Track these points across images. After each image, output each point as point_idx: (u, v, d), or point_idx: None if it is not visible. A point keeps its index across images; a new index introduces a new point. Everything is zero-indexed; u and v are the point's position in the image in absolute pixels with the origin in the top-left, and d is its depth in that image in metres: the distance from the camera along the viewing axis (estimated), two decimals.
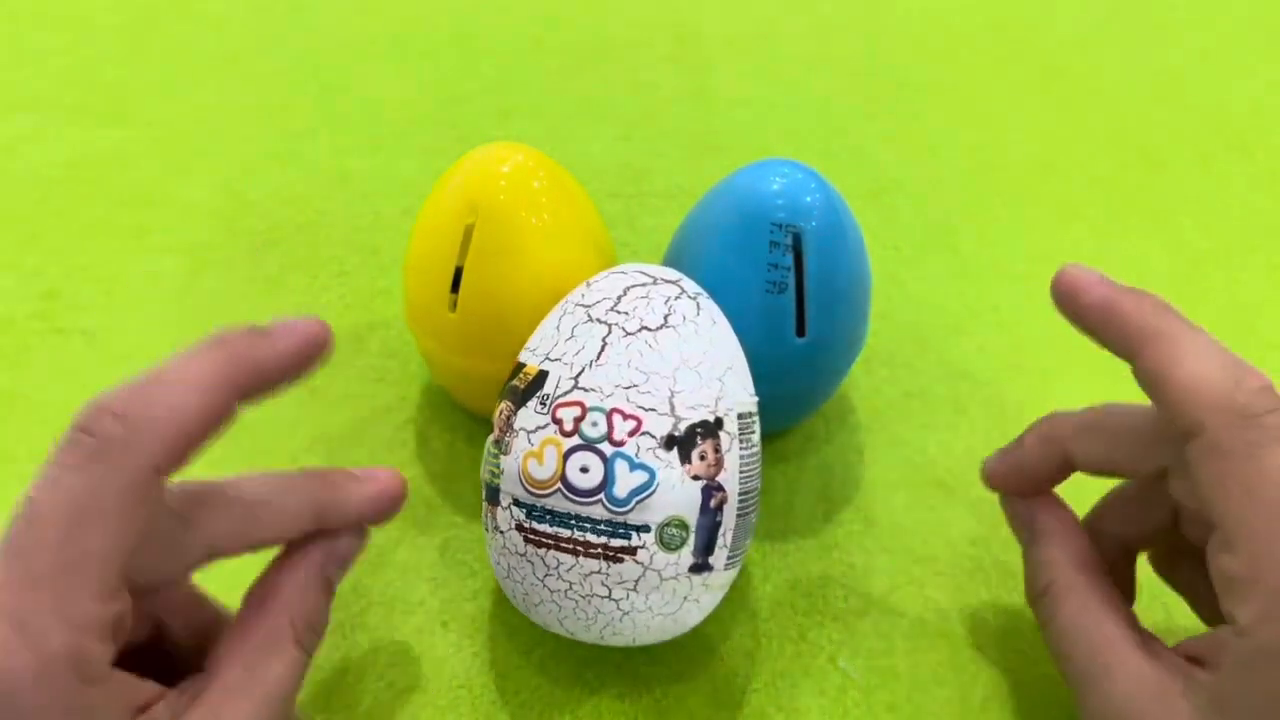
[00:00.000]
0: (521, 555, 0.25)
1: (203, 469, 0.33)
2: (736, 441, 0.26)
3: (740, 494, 0.26)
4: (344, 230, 0.42)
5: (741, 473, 0.26)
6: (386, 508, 0.26)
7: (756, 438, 0.27)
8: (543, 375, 0.26)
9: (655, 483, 0.24)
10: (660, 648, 0.30)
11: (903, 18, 0.59)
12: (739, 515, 0.26)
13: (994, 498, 0.29)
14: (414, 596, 0.30)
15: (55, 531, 0.19)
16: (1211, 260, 0.44)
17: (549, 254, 0.30)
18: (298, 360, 0.22)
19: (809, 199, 0.29)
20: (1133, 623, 0.25)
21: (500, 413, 0.27)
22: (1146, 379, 0.23)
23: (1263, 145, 0.50)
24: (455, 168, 0.31)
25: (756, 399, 0.27)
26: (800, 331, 0.30)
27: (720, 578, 0.26)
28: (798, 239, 0.29)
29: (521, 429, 0.26)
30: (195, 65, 0.51)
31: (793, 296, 0.30)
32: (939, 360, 0.39)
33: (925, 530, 0.33)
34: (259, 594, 0.24)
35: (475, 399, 0.34)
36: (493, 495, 0.26)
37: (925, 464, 0.35)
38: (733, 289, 0.29)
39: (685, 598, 0.25)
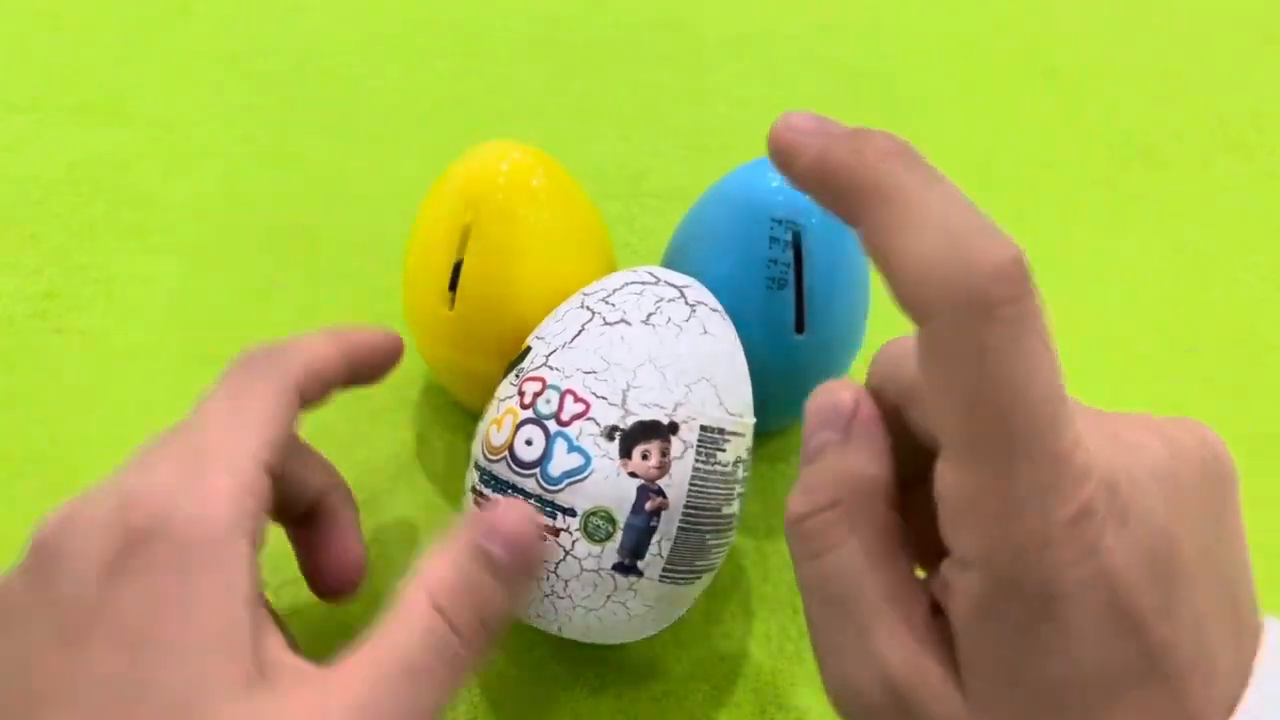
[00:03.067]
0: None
1: None
2: (693, 452, 0.25)
3: (689, 508, 0.25)
4: (344, 230, 0.42)
5: (694, 486, 0.25)
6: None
7: (727, 458, 0.26)
8: (527, 350, 0.27)
9: (589, 469, 0.24)
10: (660, 648, 0.29)
11: (902, 18, 0.59)
12: (684, 529, 0.25)
13: None
14: None
15: (221, 415, 0.23)
16: (1211, 260, 0.44)
17: (547, 252, 0.30)
18: (382, 355, 0.28)
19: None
20: (912, 572, 0.20)
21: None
22: (870, 253, 0.19)
23: (1263, 145, 0.50)
24: (454, 166, 0.31)
25: (740, 419, 0.26)
26: (800, 328, 0.30)
27: (654, 589, 0.25)
28: (797, 235, 0.29)
29: (496, 397, 0.27)
30: (195, 65, 0.51)
31: (792, 292, 0.30)
32: None
33: None
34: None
35: (472, 396, 0.34)
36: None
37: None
38: (732, 286, 0.29)
39: (609, 597, 0.25)
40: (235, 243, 0.41)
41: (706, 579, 0.27)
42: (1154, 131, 0.51)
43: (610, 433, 0.25)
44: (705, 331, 0.27)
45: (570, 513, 0.24)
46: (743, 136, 0.49)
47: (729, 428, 0.26)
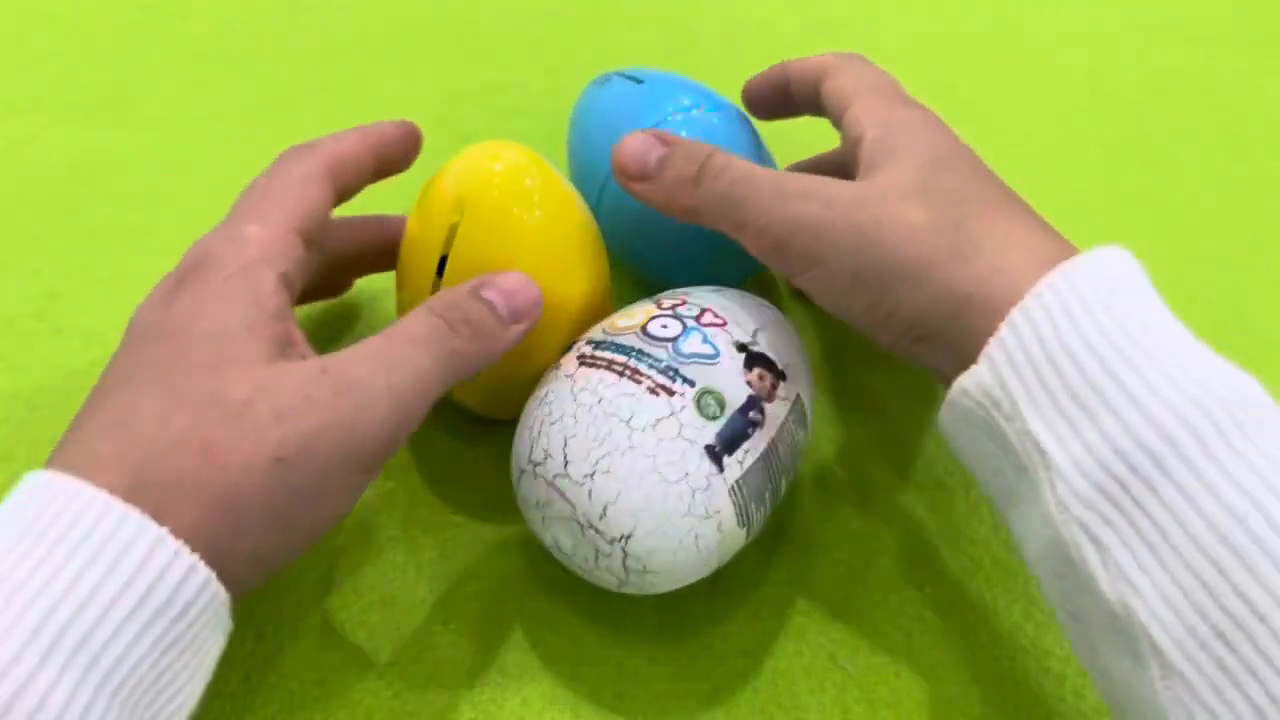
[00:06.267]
0: (568, 377, 0.27)
1: None
2: (788, 407, 0.28)
3: (773, 444, 0.27)
4: None
5: (782, 431, 0.28)
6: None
7: (799, 440, 0.29)
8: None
9: (718, 359, 0.27)
10: (660, 648, 0.30)
11: (902, 18, 0.59)
12: (764, 457, 0.27)
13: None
14: (414, 596, 0.30)
15: (257, 189, 0.28)
16: (1211, 260, 0.44)
17: (535, 253, 0.30)
18: (402, 142, 0.32)
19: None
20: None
21: None
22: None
23: (1263, 145, 0.50)
24: (449, 163, 0.31)
25: (809, 434, 0.30)
26: None
27: (720, 500, 0.26)
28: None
29: (625, 310, 0.30)
30: (195, 65, 0.51)
31: None
32: None
33: (925, 530, 0.33)
34: None
35: (463, 392, 0.33)
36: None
37: (925, 464, 0.35)
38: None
39: (685, 475, 0.25)
40: None
41: (747, 538, 0.28)
42: (1154, 131, 0.51)
43: (740, 347, 0.28)
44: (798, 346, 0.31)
45: (690, 383, 0.26)
46: None
47: (808, 424, 0.30)
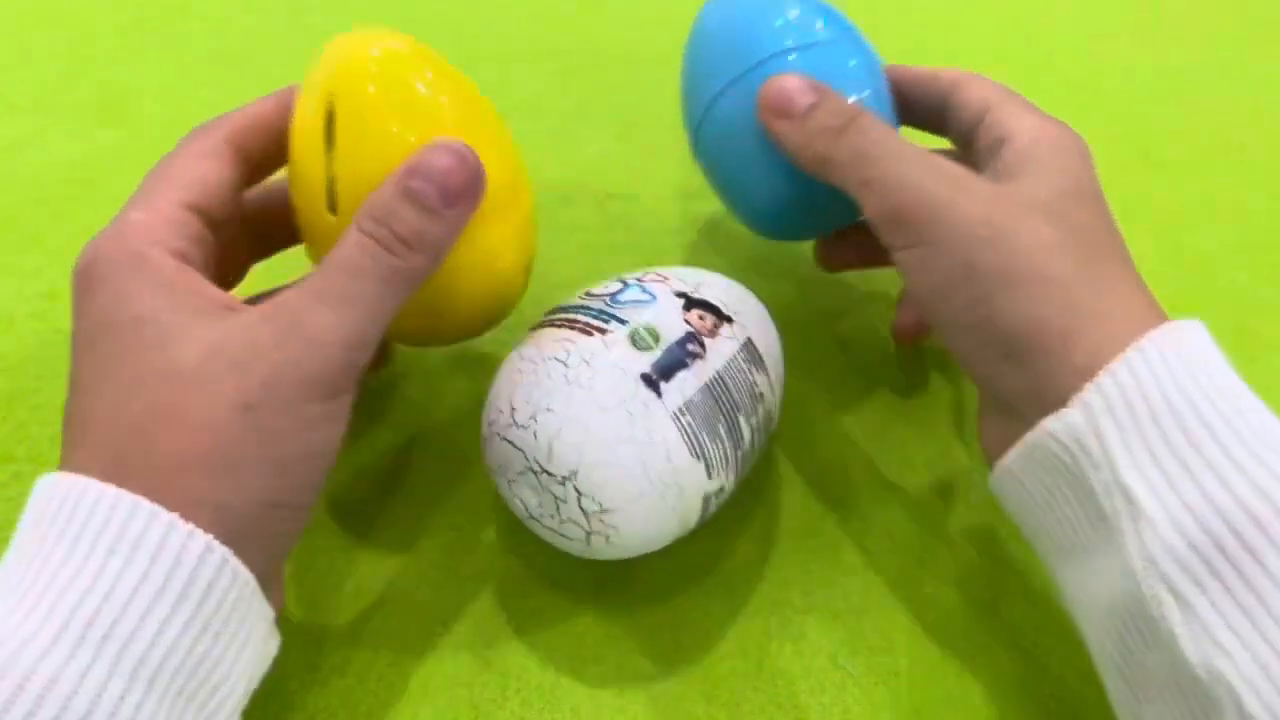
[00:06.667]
0: (517, 345, 0.29)
1: None
2: (738, 345, 0.29)
3: (721, 377, 0.28)
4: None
5: (730, 366, 0.28)
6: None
7: (757, 384, 0.29)
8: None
9: (654, 303, 0.29)
10: (660, 647, 0.29)
11: (901, 18, 0.59)
12: (709, 387, 0.27)
13: (997, 501, 0.29)
14: (414, 596, 0.30)
15: (149, 178, 0.28)
16: (1211, 260, 0.44)
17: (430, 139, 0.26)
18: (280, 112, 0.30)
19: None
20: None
21: None
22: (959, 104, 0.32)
23: (1262, 145, 0.50)
24: (318, 57, 0.28)
25: (772, 384, 0.30)
26: None
27: (662, 425, 0.26)
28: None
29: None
30: (195, 65, 0.51)
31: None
32: (940, 361, 0.39)
33: (925, 530, 0.33)
34: None
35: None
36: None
37: (925, 464, 0.35)
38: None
39: (624, 401, 0.26)
40: None
41: (709, 475, 0.27)
42: (1153, 131, 0.51)
43: (680, 294, 0.29)
44: (752, 300, 0.32)
45: (623, 323, 0.28)
46: None
47: (768, 373, 0.30)
